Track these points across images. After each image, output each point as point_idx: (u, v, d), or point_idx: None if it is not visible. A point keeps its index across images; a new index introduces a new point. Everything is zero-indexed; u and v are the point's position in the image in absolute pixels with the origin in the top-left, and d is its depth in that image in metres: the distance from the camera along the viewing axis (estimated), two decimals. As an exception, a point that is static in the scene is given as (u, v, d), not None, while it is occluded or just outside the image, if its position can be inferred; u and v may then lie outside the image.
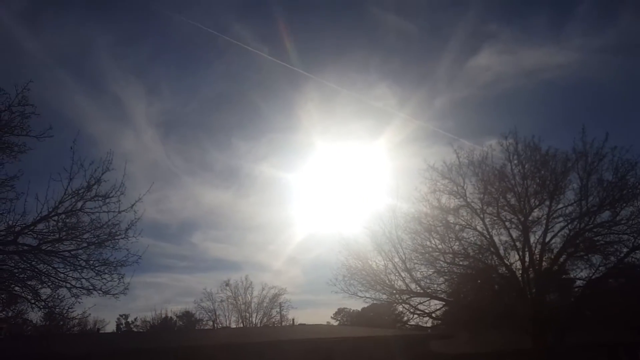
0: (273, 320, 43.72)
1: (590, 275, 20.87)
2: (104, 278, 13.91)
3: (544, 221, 20.70)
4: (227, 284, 43.57)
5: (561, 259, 21.03)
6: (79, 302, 14.01)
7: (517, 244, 20.98)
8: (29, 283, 13.68)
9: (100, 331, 38.40)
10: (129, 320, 49.70)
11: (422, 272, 21.81)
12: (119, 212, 13.80)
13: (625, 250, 20.05)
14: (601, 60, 43.04)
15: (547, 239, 20.85)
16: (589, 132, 20.22)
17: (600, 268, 20.63)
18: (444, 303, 22.34)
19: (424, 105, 44.71)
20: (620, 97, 45.29)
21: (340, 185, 31.92)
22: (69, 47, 42.88)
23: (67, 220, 13.69)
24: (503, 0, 45.68)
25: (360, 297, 22.22)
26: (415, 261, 21.41)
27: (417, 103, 44.56)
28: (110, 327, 45.32)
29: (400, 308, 25.20)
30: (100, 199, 13.65)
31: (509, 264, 21.18)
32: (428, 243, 21.29)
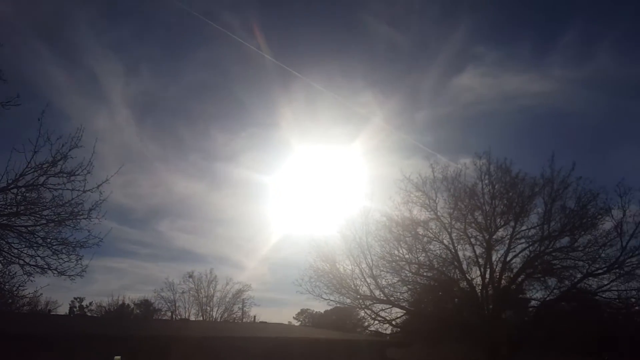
0: (234, 316, 42.83)
1: (545, 296, 21.42)
2: (61, 258, 13.09)
3: (507, 241, 21.11)
4: (190, 276, 42.28)
5: (519, 279, 21.44)
6: (32, 281, 13.18)
7: (480, 260, 21.29)
8: (-24, 256, 12.75)
9: (52, 313, 36.62)
10: (84, 304, 47.61)
11: (387, 279, 21.87)
12: (84, 191, 13.00)
13: (579, 275, 20.62)
14: (577, 93, 44.98)
15: (508, 258, 21.25)
16: (558, 160, 20.84)
17: (555, 291, 21.20)
18: (404, 312, 22.37)
19: (405, 118, 45.30)
20: (591, 130, 47.41)
21: (316, 187, 31.63)
22: (47, 16, 40.48)
23: (27, 195, 12.80)
24: (491, 24, 47.02)
25: (325, 299, 22.06)
26: (381, 268, 21.43)
27: (399, 114, 44.89)
28: (63, 310, 43.32)
29: (362, 313, 25.19)
30: (64, 175, 12.78)
31: (470, 279, 21.45)
32: (396, 252, 21.36)
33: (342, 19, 46.35)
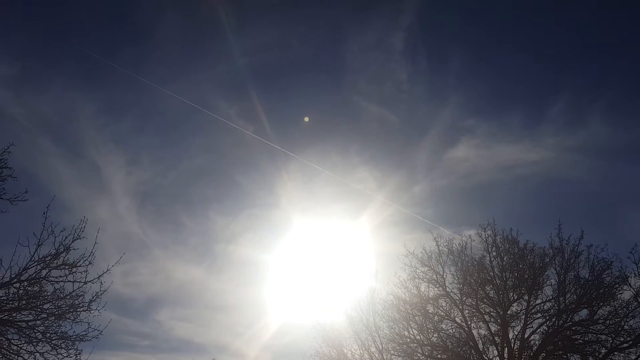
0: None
1: (571, 377, 20.92)
2: (60, 353, 13.41)
3: (523, 316, 21.05)
4: (192, 368, 41.42)
5: (540, 357, 21.08)
6: (30, 379, 13.40)
7: (496, 338, 21.11)
8: (-24, 355, 13.11)
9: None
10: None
11: (399, 364, 21.51)
12: (85, 282, 13.59)
13: (604, 351, 20.31)
14: (573, 160, 47.04)
15: (526, 335, 21.05)
16: (564, 228, 21.39)
17: (581, 369, 20.76)
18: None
19: (403, 191, 47.11)
20: (592, 196, 48.81)
21: (318, 267, 32.20)
22: (52, 114, 45.13)
23: (29, 289, 13.45)
24: (480, 99, 50.83)
25: (333, 389, 21.59)
26: (392, 352, 21.23)
27: (397, 189, 46.80)
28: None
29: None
30: (67, 267, 13.45)
31: (487, 359, 21.11)
32: (406, 333, 21.24)
33: (333, 100, 50.52)
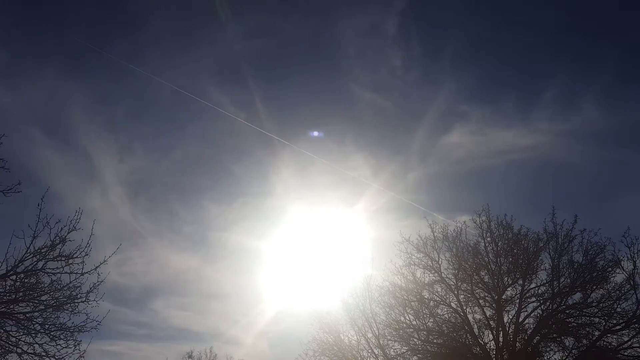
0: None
1: (564, 358, 21.44)
2: (59, 344, 13.62)
3: (517, 300, 21.51)
4: (189, 356, 42.34)
5: (534, 340, 21.60)
6: (29, 370, 13.60)
7: (491, 322, 21.56)
8: (-26, 347, 13.29)
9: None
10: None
11: (395, 349, 21.97)
12: (82, 274, 13.75)
13: (597, 333, 20.81)
14: (567, 145, 47.51)
15: (520, 319, 21.53)
16: (558, 213, 21.78)
17: (574, 351, 21.26)
18: (417, 384, 22.26)
19: (397, 178, 47.46)
20: (586, 180, 49.44)
21: (313, 255, 32.56)
22: (44, 103, 44.68)
23: (26, 281, 13.59)
24: (473, 85, 51.00)
25: (330, 375, 22.05)
26: (388, 337, 21.63)
27: (391, 176, 47.22)
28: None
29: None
30: (63, 259, 13.58)
31: (483, 343, 21.59)
32: (402, 318, 21.66)
33: (328, 87, 50.49)
